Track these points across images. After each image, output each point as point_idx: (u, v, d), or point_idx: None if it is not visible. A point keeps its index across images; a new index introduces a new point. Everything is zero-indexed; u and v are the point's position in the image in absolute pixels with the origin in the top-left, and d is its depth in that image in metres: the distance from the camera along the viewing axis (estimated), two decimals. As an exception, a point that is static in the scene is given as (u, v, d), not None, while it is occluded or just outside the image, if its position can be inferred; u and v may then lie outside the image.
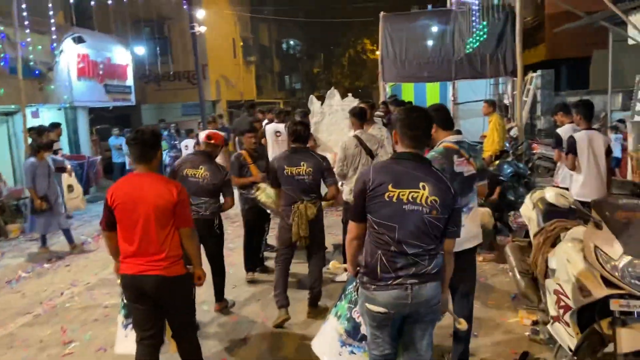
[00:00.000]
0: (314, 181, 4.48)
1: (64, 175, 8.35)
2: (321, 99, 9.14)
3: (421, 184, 2.41)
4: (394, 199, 2.42)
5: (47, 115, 12.23)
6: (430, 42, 13.46)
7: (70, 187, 8.43)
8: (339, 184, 5.30)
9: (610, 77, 11.67)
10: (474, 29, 12.44)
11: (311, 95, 9.56)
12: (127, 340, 3.49)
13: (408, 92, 19.88)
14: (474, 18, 12.41)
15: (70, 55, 11.55)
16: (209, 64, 19.87)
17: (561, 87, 15.29)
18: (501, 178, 7.32)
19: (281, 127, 7.79)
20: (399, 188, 2.42)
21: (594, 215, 2.79)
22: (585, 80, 16.11)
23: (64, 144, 12.53)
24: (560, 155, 5.51)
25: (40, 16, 10.14)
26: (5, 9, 9.19)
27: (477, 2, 12.35)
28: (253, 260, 5.87)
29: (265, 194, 5.09)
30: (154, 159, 3.19)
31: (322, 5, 31.64)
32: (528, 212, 4.09)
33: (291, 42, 41.51)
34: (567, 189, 5.96)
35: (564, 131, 5.71)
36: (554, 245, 3.48)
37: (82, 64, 12.03)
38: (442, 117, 3.33)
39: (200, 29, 16.21)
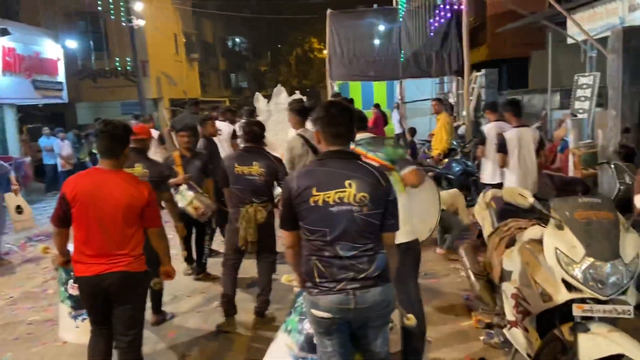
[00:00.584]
0: (265, 183, 4.25)
1: (10, 195, 7.38)
2: (268, 97, 8.89)
3: (347, 182, 2.30)
4: (320, 203, 2.31)
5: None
6: (377, 41, 13.51)
7: (18, 208, 7.50)
8: None
9: (550, 77, 12.02)
10: (419, 28, 12.53)
11: (257, 93, 9.28)
12: (79, 331, 3.61)
13: (355, 90, 19.93)
14: (419, 18, 12.50)
15: (-8, 49, 10.64)
16: (150, 60, 19.05)
17: (502, 86, 15.70)
18: (450, 176, 7.28)
19: (222, 125, 7.48)
20: (323, 191, 2.31)
21: (554, 215, 2.65)
22: (525, 79, 16.63)
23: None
24: (483, 151, 5.73)
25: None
26: None
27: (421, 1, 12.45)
28: (191, 254, 5.66)
29: (183, 197, 4.94)
30: (122, 155, 3.02)
31: (268, 2, 31.26)
32: (481, 212, 3.96)
33: (237, 40, 40.90)
34: (495, 185, 6.10)
35: (487, 128, 6.00)
36: (509, 246, 3.34)
37: (8, 58, 11.09)
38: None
39: (139, 23, 15.40)
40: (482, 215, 3.91)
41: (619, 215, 2.60)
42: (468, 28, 9.49)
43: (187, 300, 5.14)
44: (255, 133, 4.33)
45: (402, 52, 12.98)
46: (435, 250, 5.97)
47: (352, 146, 2.98)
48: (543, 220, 2.80)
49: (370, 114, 15.03)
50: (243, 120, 9.02)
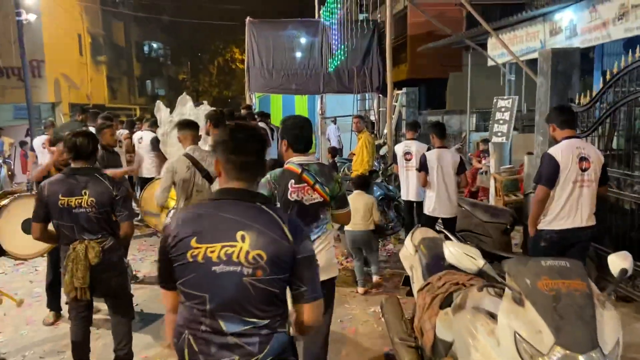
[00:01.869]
0: (99, 215, 3.27)
1: None
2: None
3: (240, 234, 1.76)
4: (200, 258, 1.76)
5: None
6: (298, 54, 13.12)
7: None
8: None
9: (468, 99, 12.00)
10: (340, 43, 12.20)
11: (158, 101, 8.21)
12: None
13: (276, 103, 19.29)
14: (341, 32, 12.17)
15: None
16: (47, 60, 17.11)
17: (421, 106, 15.77)
18: (370, 201, 6.62)
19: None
20: (207, 242, 1.76)
21: (511, 284, 1.97)
22: (442, 100, 16.85)
23: None
24: (396, 169, 5.86)
25: None
26: None
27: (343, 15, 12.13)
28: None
29: None
30: None
31: (189, 8, 29.91)
32: (409, 258, 3.27)
33: (154, 45, 39.01)
34: (412, 203, 6.20)
35: (398, 146, 6.42)
36: (444, 305, 2.65)
37: None
38: (294, 135, 2.95)
39: (29, 17, 13.60)
40: (410, 261, 3.21)
41: (593, 285, 1.96)
42: (391, 45, 9.05)
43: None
44: (81, 147, 3.29)
45: (323, 66, 12.65)
46: (357, 290, 5.26)
47: (294, 167, 2.85)
48: (488, 279, 2.11)
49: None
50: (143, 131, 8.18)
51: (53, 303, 4.55)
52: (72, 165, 3.35)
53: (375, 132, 12.26)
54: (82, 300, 3.31)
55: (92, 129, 7.16)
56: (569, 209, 3.66)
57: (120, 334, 3.44)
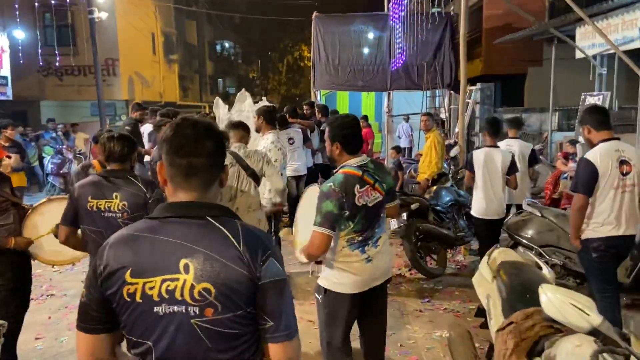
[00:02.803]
0: (131, 221, 2.91)
1: None
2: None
3: (183, 264, 1.37)
4: (137, 297, 1.38)
5: None
6: (365, 49, 12.70)
7: None
8: None
9: (551, 95, 10.98)
10: (410, 37, 11.64)
11: (217, 98, 7.98)
12: None
13: (343, 101, 18.97)
14: (411, 26, 11.61)
15: None
16: (121, 59, 17.66)
17: (496, 103, 14.84)
18: (438, 208, 6.02)
19: None
20: (144, 276, 1.38)
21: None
22: (519, 97, 15.75)
23: None
24: (468, 178, 5.37)
25: None
26: None
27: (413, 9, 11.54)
28: None
29: None
30: None
31: (259, 6, 30.19)
32: (485, 285, 2.69)
33: (226, 44, 39.87)
34: (484, 220, 5.32)
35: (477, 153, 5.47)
36: (532, 355, 2.06)
37: None
38: (346, 136, 2.76)
39: (101, 16, 13.99)
40: (486, 290, 2.63)
41: None
42: (466, 37, 8.33)
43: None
44: (115, 151, 3.05)
45: (392, 61, 12.16)
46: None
47: (354, 170, 2.71)
48: (606, 341, 1.51)
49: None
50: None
51: None
52: (107, 167, 3.13)
53: (445, 131, 11.57)
54: None
55: (149, 127, 7.10)
56: (614, 216, 3.45)
57: None
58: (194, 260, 1.36)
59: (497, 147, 5.20)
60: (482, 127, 6.43)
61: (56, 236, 3.17)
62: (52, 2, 12.71)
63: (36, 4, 11.95)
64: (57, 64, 16.33)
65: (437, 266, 5.69)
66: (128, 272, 1.37)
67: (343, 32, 12.38)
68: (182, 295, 1.35)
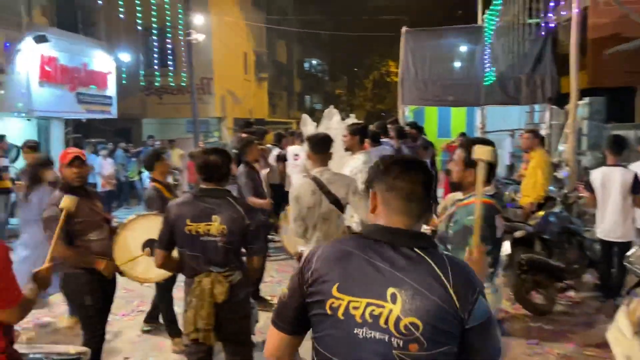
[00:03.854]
0: (230, 246, 2.83)
1: None
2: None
3: (390, 292, 1.37)
4: (340, 314, 1.40)
5: (11, 126, 10.70)
6: (457, 63, 12.46)
7: None
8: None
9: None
10: (508, 49, 11.06)
11: (304, 115, 7.91)
12: None
13: (431, 117, 18.37)
14: (508, 37, 11.05)
15: (30, 56, 9.85)
16: (215, 78, 18.40)
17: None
18: (545, 236, 5.42)
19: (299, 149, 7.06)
20: (351, 294, 1.41)
21: None
22: (628, 112, 14.33)
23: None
24: (591, 200, 5.15)
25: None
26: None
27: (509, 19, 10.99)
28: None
29: None
30: None
31: (347, 24, 30.46)
32: (623, 344, 2.23)
33: (313, 62, 40.62)
34: (610, 244, 5.05)
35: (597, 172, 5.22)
36: None
37: (47, 68, 10.33)
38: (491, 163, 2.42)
39: (197, 37, 14.64)
40: (626, 350, 2.17)
41: None
42: (577, 46, 7.67)
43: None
44: (213, 167, 2.87)
45: (486, 74, 11.62)
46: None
47: (491, 200, 2.45)
48: None
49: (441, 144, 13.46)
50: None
51: (172, 330, 4.31)
52: (202, 185, 2.94)
53: (546, 149, 10.72)
54: (203, 345, 2.84)
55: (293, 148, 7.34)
56: None
57: None
58: (402, 292, 1.36)
59: (620, 166, 4.92)
60: (603, 145, 5.88)
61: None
62: (153, 25, 13.49)
63: (138, 27, 12.72)
64: (157, 84, 17.37)
65: (544, 302, 5.09)
66: (335, 286, 1.41)
67: (433, 46, 12.13)
68: (386, 323, 1.36)
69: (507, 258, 5.06)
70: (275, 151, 7.94)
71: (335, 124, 7.21)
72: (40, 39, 9.46)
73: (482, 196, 2.29)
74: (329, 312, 1.41)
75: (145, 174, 11.82)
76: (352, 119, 7.15)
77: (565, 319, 4.89)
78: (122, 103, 16.27)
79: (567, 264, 5.25)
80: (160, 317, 4.54)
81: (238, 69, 21.19)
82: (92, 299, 3.28)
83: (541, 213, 5.70)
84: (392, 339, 1.35)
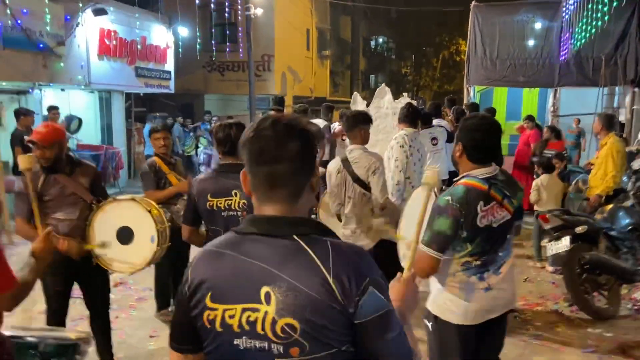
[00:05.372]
0: None
1: None
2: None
3: (264, 292, 1.18)
4: (217, 325, 1.23)
5: (74, 98, 11.10)
6: (530, 41, 11.68)
7: None
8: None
9: None
10: (586, 27, 10.18)
11: (355, 93, 7.60)
12: None
13: (500, 99, 17.57)
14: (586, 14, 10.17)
15: (89, 29, 10.02)
16: (275, 55, 18.30)
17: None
18: (612, 233, 4.85)
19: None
20: (224, 302, 1.22)
21: None
22: None
23: (92, 132, 11.40)
24: None
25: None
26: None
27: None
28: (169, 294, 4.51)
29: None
30: None
31: (415, 1, 29.38)
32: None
33: (380, 40, 39.71)
34: None
35: None
36: None
37: (107, 41, 10.51)
38: (474, 139, 2.36)
39: (256, 12, 14.51)
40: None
41: None
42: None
43: None
44: (234, 141, 2.79)
45: (562, 54, 10.88)
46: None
47: (478, 183, 2.30)
48: None
49: (510, 127, 12.67)
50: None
51: (161, 301, 4.49)
52: (221, 161, 2.91)
53: (624, 135, 9.79)
54: None
55: (320, 122, 7.05)
56: None
57: None
58: (276, 290, 1.18)
59: None
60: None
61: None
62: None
63: (197, 1, 12.77)
64: (218, 60, 17.54)
65: (607, 305, 4.56)
66: (209, 295, 1.23)
67: (505, 23, 11.52)
68: (263, 329, 1.18)
69: (566, 254, 4.58)
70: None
71: (386, 103, 6.87)
72: (99, 12, 9.67)
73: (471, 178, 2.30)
74: (207, 325, 1.24)
75: (201, 148, 11.97)
76: (405, 98, 6.77)
77: (630, 325, 4.35)
78: (184, 78, 16.56)
79: (636, 265, 4.67)
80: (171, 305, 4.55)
81: (300, 46, 20.95)
82: (52, 280, 3.15)
83: (609, 207, 5.11)
84: (272, 345, 1.18)
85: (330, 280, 1.14)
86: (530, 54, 11.39)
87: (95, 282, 3.35)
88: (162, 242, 3.23)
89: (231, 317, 1.21)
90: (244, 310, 1.19)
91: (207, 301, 1.23)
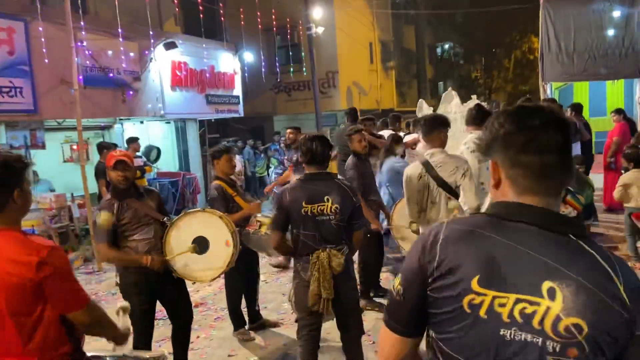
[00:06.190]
0: (341, 223, 3.17)
1: None
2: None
3: (547, 287, 1.15)
4: (482, 312, 1.18)
5: (152, 129, 11.72)
6: (610, 31, 11.08)
7: None
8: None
9: None
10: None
11: (420, 100, 7.43)
12: None
13: (582, 94, 16.60)
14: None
15: (162, 63, 10.60)
16: (340, 71, 18.42)
17: None
18: None
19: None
20: (495, 288, 1.18)
21: None
22: None
23: (170, 160, 11.96)
24: None
25: (131, 20, 9.49)
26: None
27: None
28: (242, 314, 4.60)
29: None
30: (5, 206, 1.96)
31: (481, 2, 28.55)
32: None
33: (446, 46, 38.91)
34: None
35: None
36: None
37: (178, 72, 11.06)
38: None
39: (318, 31, 14.70)
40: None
41: None
42: None
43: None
44: (317, 153, 3.17)
45: None
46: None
47: None
48: None
49: (595, 123, 11.81)
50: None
51: (236, 320, 4.51)
52: (307, 170, 3.21)
53: None
54: (315, 316, 3.18)
55: (386, 133, 7.02)
56: None
57: (353, 352, 3.30)
58: (563, 287, 1.14)
59: None
60: None
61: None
62: (274, 24, 13.87)
63: (259, 26, 13.13)
64: (284, 81, 17.93)
65: None
66: (475, 278, 1.18)
67: (579, 14, 11.04)
68: (541, 324, 1.14)
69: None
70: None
71: (454, 107, 6.66)
72: (170, 46, 10.20)
73: None
74: (467, 309, 1.19)
75: (272, 168, 12.19)
76: (474, 101, 6.51)
77: None
78: (253, 102, 17.02)
79: None
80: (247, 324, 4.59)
81: (363, 60, 20.97)
82: (138, 299, 3.32)
83: None
84: (548, 342, 1.14)
85: (621, 287, 1.13)
86: (611, 44, 10.84)
87: (178, 293, 3.55)
88: (236, 245, 3.48)
89: (501, 305, 1.16)
90: (517, 300, 1.16)
91: (474, 284, 1.18)
